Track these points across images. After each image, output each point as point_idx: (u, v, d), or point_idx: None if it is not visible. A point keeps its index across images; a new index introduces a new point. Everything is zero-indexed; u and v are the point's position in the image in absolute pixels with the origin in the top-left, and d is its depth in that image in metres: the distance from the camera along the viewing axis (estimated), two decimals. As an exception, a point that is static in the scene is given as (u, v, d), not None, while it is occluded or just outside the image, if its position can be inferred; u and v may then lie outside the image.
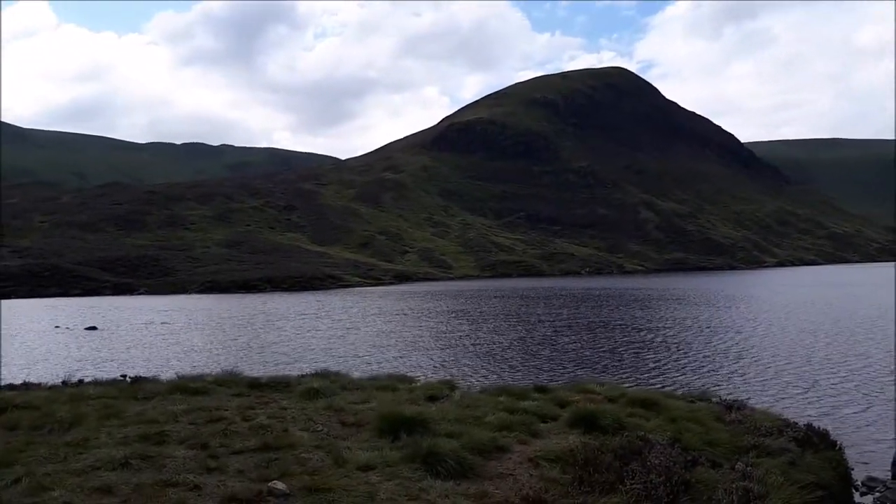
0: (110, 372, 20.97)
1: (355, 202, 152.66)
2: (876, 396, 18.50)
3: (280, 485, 6.12)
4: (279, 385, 11.05)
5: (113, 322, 43.76)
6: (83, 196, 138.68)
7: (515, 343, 30.67)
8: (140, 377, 13.49)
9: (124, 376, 14.63)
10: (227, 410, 9.05)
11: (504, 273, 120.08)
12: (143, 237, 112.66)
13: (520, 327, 37.02)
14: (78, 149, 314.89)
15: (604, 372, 22.54)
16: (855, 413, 16.73)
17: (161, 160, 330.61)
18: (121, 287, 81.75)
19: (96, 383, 11.86)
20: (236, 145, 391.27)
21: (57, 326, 40.60)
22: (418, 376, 14.36)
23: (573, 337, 32.54)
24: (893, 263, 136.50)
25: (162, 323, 42.67)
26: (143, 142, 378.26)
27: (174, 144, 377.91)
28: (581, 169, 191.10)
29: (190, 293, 79.58)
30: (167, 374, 15.28)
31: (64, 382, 13.04)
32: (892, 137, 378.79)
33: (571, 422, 8.73)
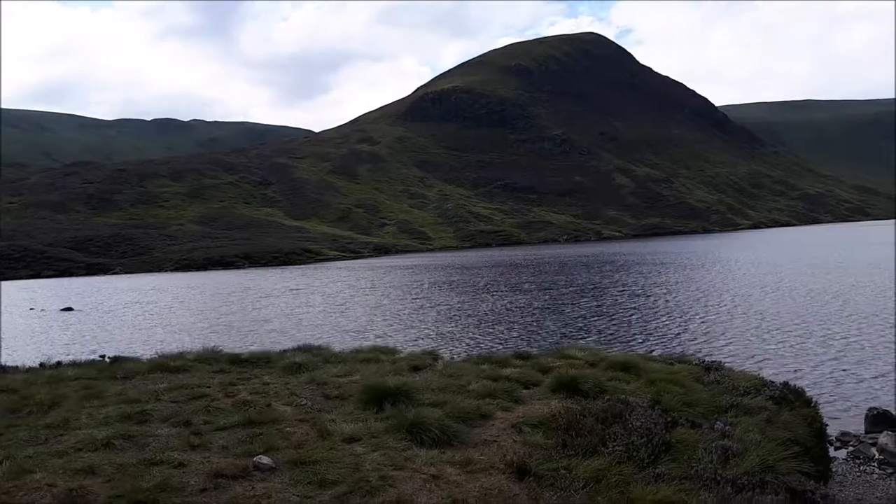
0: (88, 353, 20.76)
1: (331, 175, 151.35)
2: (850, 354, 18.96)
3: (265, 459, 6.12)
4: (260, 361, 11.00)
5: (89, 303, 43.23)
6: (52, 175, 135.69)
7: (497, 312, 30.86)
8: (119, 357, 13.37)
9: (103, 356, 14.49)
10: (208, 387, 8.99)
11: (483, 243, 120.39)
12: (115, 216, 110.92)
13: (501, 296, 37.24)
14: (46, 128, 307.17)
15: (585, 337, 22.80)
16: (830, 371, 17.15)
17: (131, 137, 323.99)
18: (94, 267, 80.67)
19: (75, 364, 11.71)
20: (207, 120, 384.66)
21: (31, 308, 40.04)
22: (402, 348, 14.39)
23: (554, 304, 32.82)
24: (868, 223, 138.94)
25: (147, 303, 42.26)
26: (112, 119, 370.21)
27: (144, 121, 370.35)
28: (556, 136, 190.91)
29: (166, 271, 78.77)
30: (147, 354, 15.17)
31: (42, 364, 12.87)
32: (864, 97, 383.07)
33: (553, 387, 8.80)
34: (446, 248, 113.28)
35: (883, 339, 20.64)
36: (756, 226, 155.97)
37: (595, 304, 32.20)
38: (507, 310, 31.36)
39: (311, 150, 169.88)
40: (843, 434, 12.51)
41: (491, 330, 25.75)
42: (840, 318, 25.08)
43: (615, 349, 19.56)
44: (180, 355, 11.42)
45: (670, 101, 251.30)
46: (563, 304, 32.76)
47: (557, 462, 6.28)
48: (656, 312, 28.61)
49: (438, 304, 34.69)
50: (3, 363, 13.03)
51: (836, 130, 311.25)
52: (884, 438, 11.52)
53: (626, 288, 38.61)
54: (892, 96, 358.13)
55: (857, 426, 12.91)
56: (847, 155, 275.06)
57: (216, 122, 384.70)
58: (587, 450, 6.46)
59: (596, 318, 27.61)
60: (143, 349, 20.45)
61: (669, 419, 7.36)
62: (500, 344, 22.27)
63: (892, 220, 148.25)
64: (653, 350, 19.51)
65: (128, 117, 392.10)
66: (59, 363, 12.75)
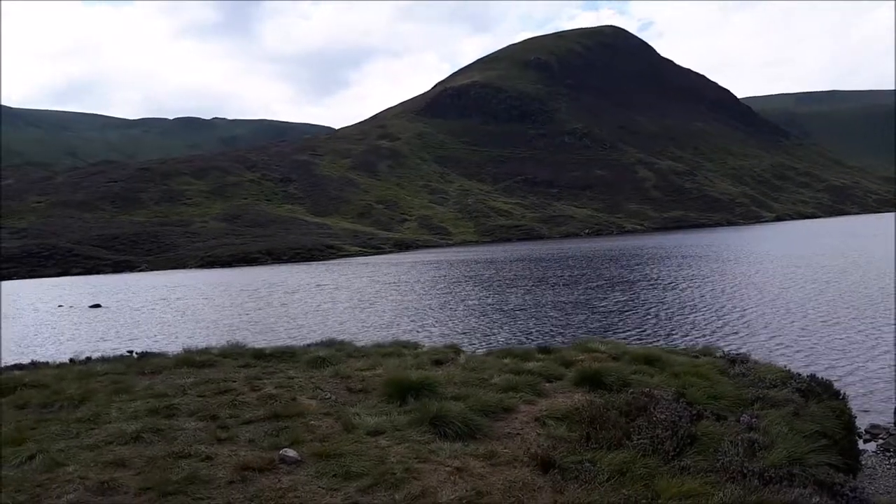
0: (117, 348, 21.08)
1: (352, 171, 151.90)
2: (881, 347, 18.65)
3: (291, 452, 6.18)
4: (285, 355, 11.09)
5: (116, 300, 43.89)
6: (77, 175, 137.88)
7: (520, 306, 30.80)
8: (147, 352, 13.55)
9: (131, 352, 14.70)
10: (234, 382, 9.09)
11: (504, 238, 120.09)
12: (140, 214, 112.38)
13: (524, 291, 37.16)
14: (69, 127, 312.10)
15: (608, 331, 22.68)
16: (859, 363, 16.89)
17: (153, 136, 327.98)
18: (121, 265, 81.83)
19: (104, 360, 11.90)
20: (229, 118, 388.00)
21: (60, 306, 40.74)
22: (424, 342, 14.44)
23: (576, 298, 32.67)
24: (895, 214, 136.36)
25: (174, 299, 42.80)
26: (135, 118, 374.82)
27: (167, 119, 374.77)
28: (577, 130, 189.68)
29: (190, 268, 79.68)
30: (174, 349, 15.37)
31: (72, 360, 13.11)
32: (889, 87, 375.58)
33: (576, 381, 8.78)
34: (467, 243, 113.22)
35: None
36: (780, 218, 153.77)
37: (619, 297, 32.00)
38: (531, 304, 31.29)
39: (332, 147, 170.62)
40: (873, 427, 12.33)
41: (514, 324, 25.72)
42: (871, 310, 24.66)
43: (637, 342, 19.43)
44: (206, 350, 11.55)
45: (692, 93, 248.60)
46: (586, 298, 32.61)
47: (582, 455, 6.27)
48: (681, 306, 28.37)
49: (462, 299, 34.71)
50: (34, 359, 13.29)
51: (861, 121, 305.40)
52: (914, 432, 11.33)
53: (650, 281, 38.32)
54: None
55: (887, 419, 12.71)
56: (873, 145, 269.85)
57: (237, 119, 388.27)
58: (611, 443, 6.43)
59: (619, 312, 27.45)
60: (170, 345, 20.73)
61: (694, 412, 7.31)
62: (524, 338, 22.23)
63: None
64: (677, 343, 19.35)
65: (150, 116, 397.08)
66: (88, 359, 12.97)
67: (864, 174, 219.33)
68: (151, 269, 79.80)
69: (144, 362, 10.84)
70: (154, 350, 15.01)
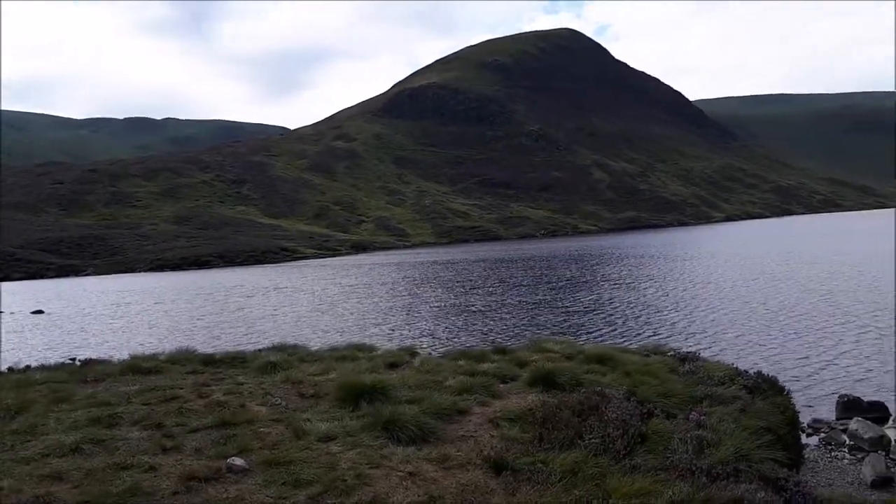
0: (60, 356, 20.39)
1: (307, 172, 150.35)
2: (821, 343, 19.24)
3: (239, 460, 6.03)
4: (235, 361, 10.85)
5: (60, 305, 42.51)
6: (23, 176, 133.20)
7: (478, 308, 30.87)
8: (91, 359, 13.12)
9: (74, 359, 14.23)
10: (181, 389, 8.84)
11: (461, 239, 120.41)
12: (87, 217, 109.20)
13: (479, 292, 37.27)
14: (15, 127, 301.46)
15: (562, 330, 22.89)
16: (801, 359, 17.39)
17: (102, 136, 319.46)
18: (66, 269, 79.33)
19: (44, 368, 11.47)
20: (182, 118, 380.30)
21: (0, 311, 39.25)
22: (381, 345, 14.32)
23: (532, 298, 32.92)
24: (843, 213, 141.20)
25: (123, 304, 41.64)
26: (83, 117, 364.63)
27: (116, 119, 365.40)
28: (533, 132, 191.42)
29: (139, 272, 77.74)
30: (121, 356, 14.92)
31: (10, 369, 12.60)
32: (833, 91, 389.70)
33: (531, 381, 8.80)
34: (425, 245, 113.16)
35: (855, 328, 21.00)
36: (730, 218, 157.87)
37: (573, 297, 32.36)
38: (490, 306, 31.39)
39: (287, 148, 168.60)
40: (816, 421, 12.70)
41: (473, 326, 25.76)
42: (814, 308, 25.44)
43: (591, 341, 19.65)
44: (153, 357, 11.25)
45: (646, 96, 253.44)
46: (545, 298, 32.87)
47: (534, 456, 6.27)
48: (635, 305, 28.82)
49: (423, 301, 34.63)
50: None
51: (806, 124, 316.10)
52: (854, 425, 11.71)
53: (608, 281, 38.87)
54: (857, 90, 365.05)
55: (828, 413, 13.11)
56: (817, 148, 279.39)
57: (190, 119, 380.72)
58: (564, 443, 6.45)
59: (577, 312, 27.74)
60: (119, 352, 20.14)
61: (645, 410, 7.39)
62: (483, 340, 22.27)
63: (865, 211, 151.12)
64: (630, 342, 19.63)
65: (99, 115, 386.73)
66: (27, 367, 12.49)
67: (809, 175, 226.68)
68: (99, 274, 77.56)
69: (87, 370, 10.49)
70: (100, 357, 14.55)
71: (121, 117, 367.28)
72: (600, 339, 21.03)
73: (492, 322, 26.34)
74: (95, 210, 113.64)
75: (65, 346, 25.69)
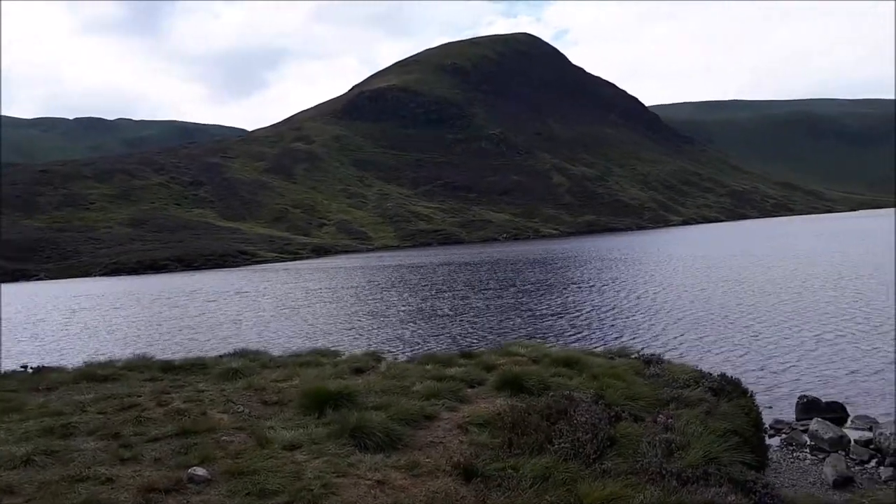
0: (10, 364, 19.64)
1: (266, 175, 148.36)
2: (781, 344, 19.66)
3: (200, 470, 5.84)
4: (195, 367, 10.59)
5: (10, 311, 41.05)
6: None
7: (444, 312, 30.79)
8: (43, 367, 12.64)
9: (25, 367, 13.69)
10: (139, 396, 8.58)
11: (424, 242, 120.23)
12: (38, 219, 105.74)
13: (445, 295, 37.21)
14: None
15: (529, 334, 22.95)
16: (762, 360, 17.73)
17: (53, 137, 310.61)
18: (16, 273, 76.76)
19: (-8, 377, 11.01)
20: (135, 119, 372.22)
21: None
22: (346, 350, 14.12)
23: (498, 301, 32.97)
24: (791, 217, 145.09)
25: (79, 310, 40.38)
26: (33, 117, 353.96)
27: (67, 119, 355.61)
28: (493, 136, 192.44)
29: (94, 276, 75.67)
30: (75, 363, 14.42)
31: (-45, 378, 12.04)
32: (783, 98, 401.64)
33: (498, 385, 8.76)
34: (387, 248, 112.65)
35: (813, 329, 21.52)
36: (686, 222, 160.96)
37: (539, 300, 32.52)
38: (457, 309, 31.33)
39: (245, 150, 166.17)
40: (777, 422, 12.93)
41: (440, 330, 25.66)
42: (773, 309, 26.01)
43: (557, 344, 19.73)
44: (109, 363, 10.92)
45: (603, 101, 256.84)
46: (511, 302, 32.96)
47: (504, 462, 6.22)
48: (597, 307, 29.09)
49: (388, 306, 34.39)
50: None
51: (759, 129, 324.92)
52: (814, 425, 11.94)
53: (571, 283, 39.17)
54: (808, 97, 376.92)
55: (789, 414, 13.36)
56: (769, 153, 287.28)
57: (144, 120, 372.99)
58: (534, 448, 6.41)
59: (539, 314, 27.87)
60: (72, 359, 19.49)
61: (613, 413, 7.40)
62: (446, 342, 22.18)
63: (815, 216, 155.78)
64: (596, 344, 19.78)
65: (49, 115, 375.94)
66: (-26, 376, 11.95)
67: (762, 180, 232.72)
68: (51, 278, 75.27)
69: (40, 378, 10.11)
70: (53, 365, 14.02)
71: (72, 117, 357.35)
72: (566, 341, 21.14)
73: (458, 326, 26.28)
74: (47, 212, 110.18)
75: (16, 353, 24.77)
